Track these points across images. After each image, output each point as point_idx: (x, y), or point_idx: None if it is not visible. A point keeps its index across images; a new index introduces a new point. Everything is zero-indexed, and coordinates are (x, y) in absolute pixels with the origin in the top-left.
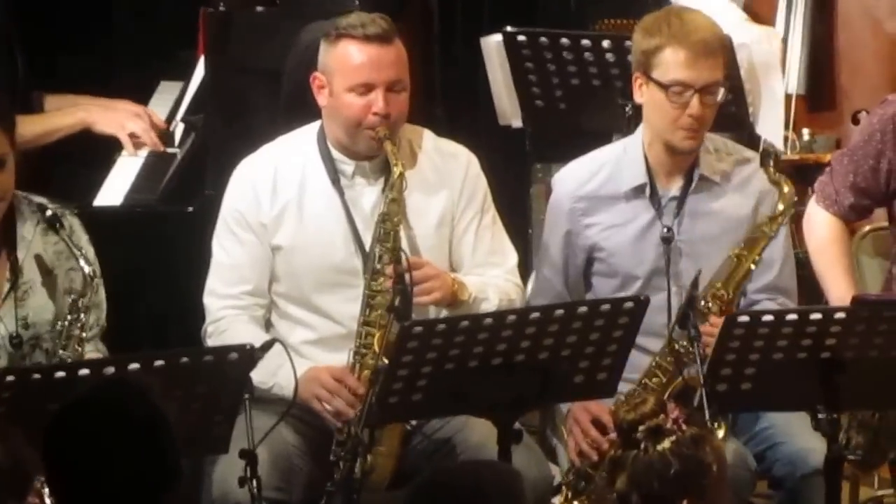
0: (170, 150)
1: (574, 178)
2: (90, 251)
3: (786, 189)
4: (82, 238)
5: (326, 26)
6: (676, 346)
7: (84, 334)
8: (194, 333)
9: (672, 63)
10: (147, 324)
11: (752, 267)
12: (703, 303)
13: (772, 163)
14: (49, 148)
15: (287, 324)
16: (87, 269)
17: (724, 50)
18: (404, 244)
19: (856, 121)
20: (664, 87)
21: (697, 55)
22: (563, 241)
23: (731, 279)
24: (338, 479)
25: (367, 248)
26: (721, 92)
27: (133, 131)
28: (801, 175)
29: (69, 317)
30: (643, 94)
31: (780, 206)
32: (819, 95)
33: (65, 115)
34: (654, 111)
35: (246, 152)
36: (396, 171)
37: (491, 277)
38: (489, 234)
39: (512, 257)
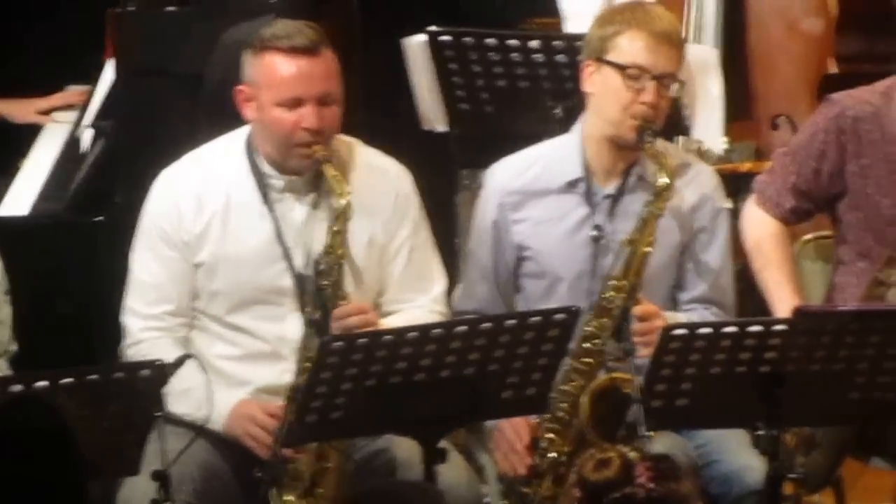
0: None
1: (506, 173)
2: None
3: (666, 161)
4: None
5: (249, 28)
6: (590, 344)
7: None
8: (108, 348)
9: (631, 47)
10: (57, 339)
11: (648, 249)
12: (605, 297)
13: (646, 137)
14: None
15: (207, 338)
16: None
17: (681, 45)
18: None
19: (774, 126)
20: (621, 68)
21: (659, 42)
22: (492, 239)
23: (629, 267)
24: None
25: (297, 266)
26: (676, 86)
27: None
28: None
29: None
30: (594, 81)
31: (665, 180)
32: (734, 102)
33: None
34: (605, 96)
35: (159, 158)
36: (343, 202)
37: (414, 309)
38: (419, 258)
39: (439, 284)
